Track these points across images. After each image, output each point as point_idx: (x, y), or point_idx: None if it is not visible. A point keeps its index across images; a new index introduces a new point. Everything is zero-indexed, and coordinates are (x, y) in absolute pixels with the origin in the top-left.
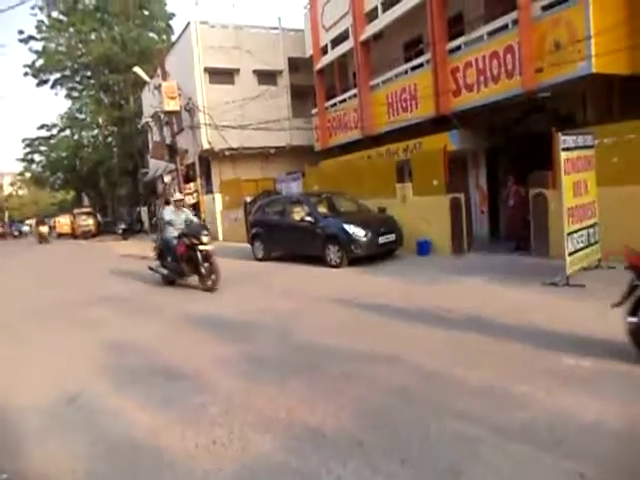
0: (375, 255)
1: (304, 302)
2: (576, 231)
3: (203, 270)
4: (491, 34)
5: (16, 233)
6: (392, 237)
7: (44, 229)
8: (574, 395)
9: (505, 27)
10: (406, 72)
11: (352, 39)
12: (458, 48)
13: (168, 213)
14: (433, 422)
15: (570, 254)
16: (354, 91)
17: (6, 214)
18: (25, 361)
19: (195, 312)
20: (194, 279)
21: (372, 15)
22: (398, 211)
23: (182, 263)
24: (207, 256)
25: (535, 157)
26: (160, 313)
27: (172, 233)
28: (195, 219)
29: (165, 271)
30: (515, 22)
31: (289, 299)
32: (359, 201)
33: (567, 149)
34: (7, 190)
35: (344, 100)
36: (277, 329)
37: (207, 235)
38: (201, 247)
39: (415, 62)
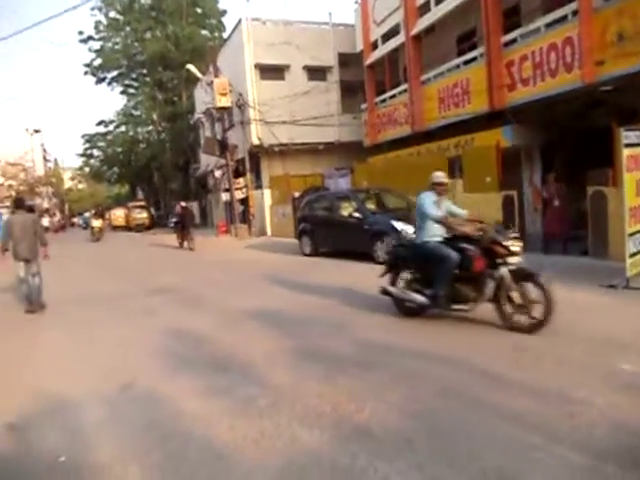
0: None
1: (352, 298)
2: (638, 232)
3: (514, 297)
4: (549, 26)
5: (84, 225)
6: None
7: (97, 223)
8: (634, 403)
9: (564, 18)
10: (458, 66)
11: (403, 33)
12: (514, 41)
13: (429, 203)
14: (486, 424)
15: (631, 255)
16: (404, 86)
17: (66, 207)
18: (81, 350)
19: (243, 305)
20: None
21: (424, 9)
22: None
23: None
24: (523, 275)
25: (594, 153)
26: (213, 305)
27: (434, 233)
28: (460, 210)
29: (419, 297)
30: (575, 13)
31: (339, 295)
32: (409, 197)
33: (629, 145)
34: (67, 184)
35: (394, 95)
36: (326, 324)
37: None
38: (510, 260)
39: (468, 56)
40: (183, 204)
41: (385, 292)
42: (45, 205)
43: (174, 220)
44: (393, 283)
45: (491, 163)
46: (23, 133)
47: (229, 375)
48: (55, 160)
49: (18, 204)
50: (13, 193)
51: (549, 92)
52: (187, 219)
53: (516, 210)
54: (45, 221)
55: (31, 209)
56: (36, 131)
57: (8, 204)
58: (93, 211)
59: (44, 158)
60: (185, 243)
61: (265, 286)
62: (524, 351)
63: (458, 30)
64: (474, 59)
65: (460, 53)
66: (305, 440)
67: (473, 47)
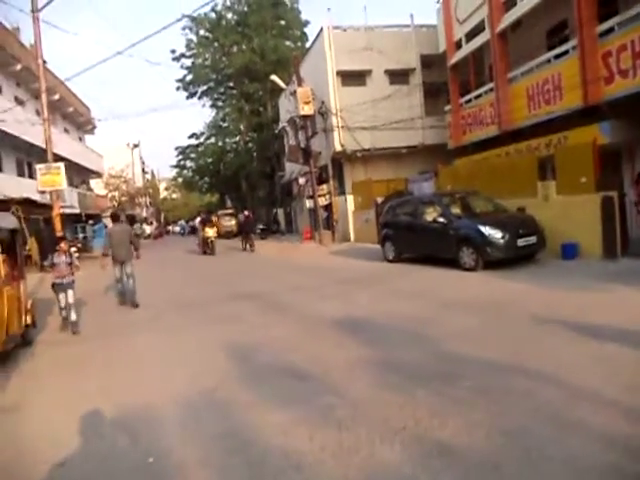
0: (514, 258)
1: (438, 307)
2: None
3: None
4: None
5: (182, 232)
6: (533, 239)
7: (211, 232)
8: None
9: None
10: (549, 61)
11: (488, 30)
12: (610, 30)
13: None
14: (581, 450)
15: None
16: (490, 85)
17: (162, 215)
18: (167, 355)
19: (325, 312)
20: None
21: (510, 3)
22: (540, 211)
23: None
24: None
25: None
26: (292, 311)
27: None
28: None
29: None
30: None
31: (421, 303)
32: (496, 201)
33: None
34: (163, 194)
35: (479, 95)
36: (408, 334)
37: None
38: None
39: (559, 49)
40: (246, 213)
41: None
42: (143, 214)
43: (261, 227)
44: None
45: (587, 162)
46: (124, 148)
47: (309, 384)
48: (152, 172)
49: (114, 218)
50: (115, 203)
51: None
52: (248, 226)
53: (616, 212)
54: (147, 229)
55: (133, 218)
56: (135, 145)
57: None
58: (200, 218)
59: (143, 170)
60: (247, 246)
61: (346, 293)
62: (614, 365)
63: (547, 23)
64: (566, 52)
65: (550, 47)
66: (385, 455)
67: (564, 40)
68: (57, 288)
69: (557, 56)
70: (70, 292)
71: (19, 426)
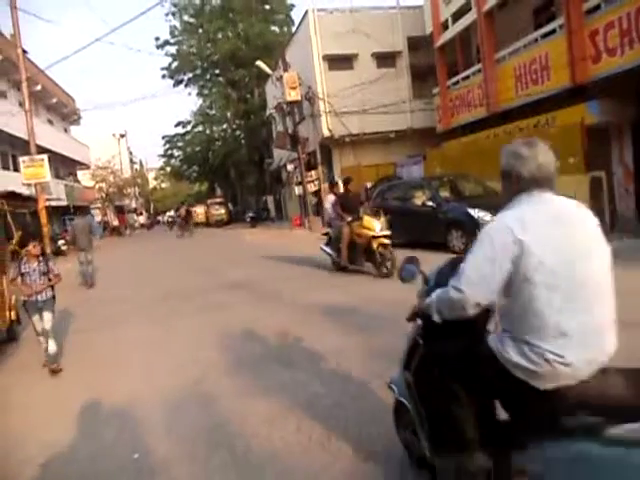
0: None
1: None
2: None
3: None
4: None
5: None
6: None
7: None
8: None
9: None
10: (536, 40)
11: (475, 10)
12: (597, 8)
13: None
14: None
15: None
16: (478, 66)
17: (151, 206)
18: (155, 343)
19: (319, 300)
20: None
21: None
22: None
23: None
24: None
25: None
26: (285, 299)
27: None
28: None
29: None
30: None
31: (407, 287)
32: (485, 183)
33: None
34: (152, 184)
35: (467, 77)
36: (398, 320)
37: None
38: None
39: (546, 28)
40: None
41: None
42: (133, 205)
43: (250, 215)
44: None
45: (575, 142)
46: (111, 138)
47: (296, 372)
48: (140, 162)
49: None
50: (103, 195)
51: None
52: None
53: (605, 192)
54: (141, 218)
55: (121, 209)
56: (122, 135)
57: (99, 205)
58: (173, 211)
59: (130, 160)
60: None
61: (337, 280)
62: None
63: (534, 2)
64: (553, 32)
65: (537, 27)
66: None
67: (551, 19)
68: (29, 308)
69: (544, 35)
70: (47, 315)
71: (3, 424)
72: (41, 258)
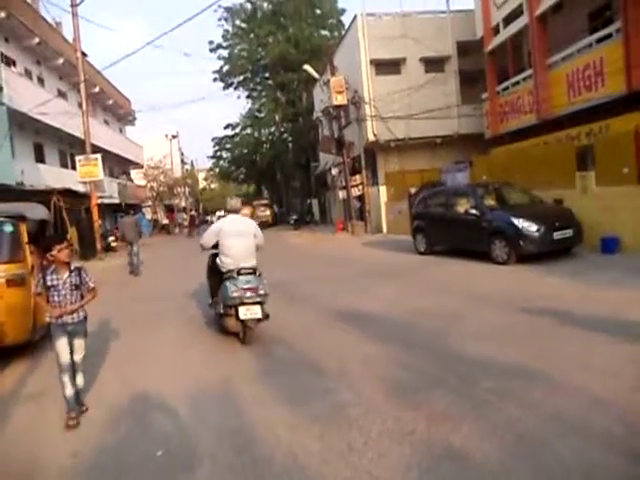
0: (549, 252)
1: (464, 302)
2: None
3: None
4: None
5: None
6: (569, 232)
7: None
8: None
9: None
10: (590, 45)
11: (527, 14)
12: None
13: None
14: (596, 461)
15: None
16: (529, 72)
17: (201, 206)
18: (182, 340)
19: (345, 306)
20: None
21: None
22: (578, 203)
23: None
24: None
25: None
26: (311, 304)
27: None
28: None
29: None
30: None
31: (448, 298)
32: (532, 192)
33: None
34: (202, 184)
35: (517, 82)
36: (431, 331)
37: None
38: None
39: (602, 33)
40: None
41: None
42: (182, 204)
43: (294, 217)
44: None
45: (629, 152)
46: (163, 139)
47: (323, 379)
48: (192, 162)
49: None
50: (154, 193)
51: None
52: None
53: None
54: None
55: (170, 208)
56: (174, 136)
57: (150, 203)
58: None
59: (182, 161)
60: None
61: (373, 286)
62: None
63: (589, 5)
64: (609, 36)
65: (592, 31)
66: (394, 457)
67: (608, 23)
68: (55, 331)
69: (599, 40)
70: (79, 342)
71: (40, 413)
72: (72, 267)
